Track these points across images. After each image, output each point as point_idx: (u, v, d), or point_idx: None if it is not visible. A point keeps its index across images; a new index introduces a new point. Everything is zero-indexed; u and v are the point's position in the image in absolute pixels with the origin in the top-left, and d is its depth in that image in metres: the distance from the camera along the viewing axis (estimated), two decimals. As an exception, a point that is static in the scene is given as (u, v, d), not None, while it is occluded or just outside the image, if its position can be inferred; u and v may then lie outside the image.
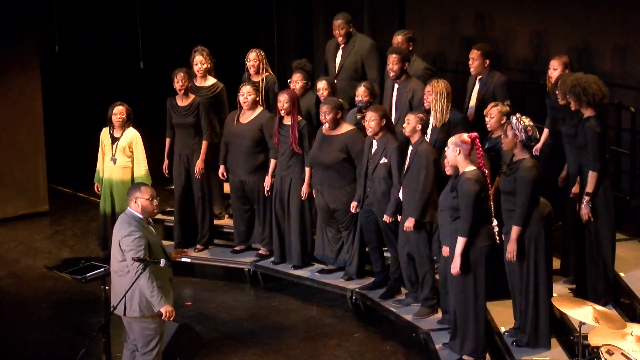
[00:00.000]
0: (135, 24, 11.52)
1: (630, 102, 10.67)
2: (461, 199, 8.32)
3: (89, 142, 11.14)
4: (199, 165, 11.03)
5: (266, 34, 13.99)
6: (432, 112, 9.61)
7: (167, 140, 11.28)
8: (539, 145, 9.65)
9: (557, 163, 9.70)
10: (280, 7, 13.25)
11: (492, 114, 9.27)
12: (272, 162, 10.75)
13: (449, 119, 9.60)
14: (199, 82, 11.34)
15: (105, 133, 11.09)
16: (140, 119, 11.39)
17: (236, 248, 11.28)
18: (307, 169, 10.49)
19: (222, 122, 11.27)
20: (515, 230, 8.45)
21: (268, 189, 10.76)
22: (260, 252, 11.15)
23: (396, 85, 10.43)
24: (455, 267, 8.39)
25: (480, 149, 8.50)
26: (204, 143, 11.05)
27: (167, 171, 11.26)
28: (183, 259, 11.14)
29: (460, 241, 8.35)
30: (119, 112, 10.98)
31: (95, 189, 11.26)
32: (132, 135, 11.02)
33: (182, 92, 10.97)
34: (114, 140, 10.99)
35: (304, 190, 10.50)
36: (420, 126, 9.32)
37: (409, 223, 9.32)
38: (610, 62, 11.08)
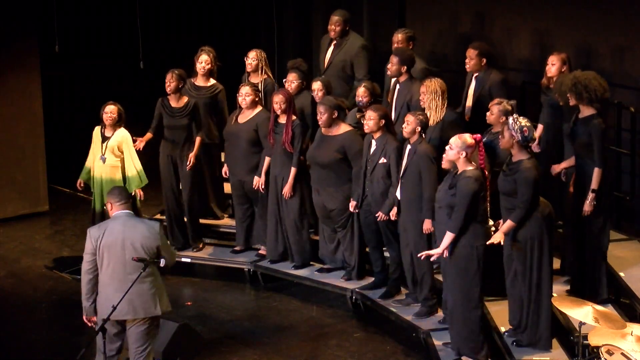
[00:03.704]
0: (135, 24, 11.52)
1: (630, 102, 10.67)
2: (458, 196, 8.35)
3: (89, 142, 11.11)
4: (191, 158, 11.00)
5: (266, 34, 13.99)
6: (427, 111, 9.62)
7: (148, 134, 11.11)
8: (535, 142, 9.64)
9: (556, 160, 9.71)
10: (280, 7, 13.25)
11: (493, 111, 9.28)
12: (266, 160, 10.76)
13: (443, 118, 9.62)
14: (199, 82, 11.33)
15: (97, 132, 11.05)
16: (140, 119, 11.39)
17: (236, 248, 11.29)
18: (292, 169, 10.48)
19: (219, 123, 11.29)
20: (508, 225, 8.45)
21: (262, 187, 10.77)
22: (260, 252, 11.15)
23: (398, 86, 10.44)
24: (433, 256, 8.46)
25: (483, 150, 8.52)
26: (198, 139, 11.02)
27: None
28: (183, 259, 11.18)
29: (448, 236, 8.39)
30: (109, 111, 10.92)
31: (78, 185, 11.13)
32: (122, 136, 10.96)
33: (170, 92, 10.95)
34: (105, 139, 10.96)
35: (286, 189, 10.51)
36: (419, 128, 9.32)
37: (427, 225, 9.27)
38: (610, 61, 11.08)
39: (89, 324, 8.06)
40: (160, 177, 11.23)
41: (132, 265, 7.83)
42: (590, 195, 8.91)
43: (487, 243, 8.48)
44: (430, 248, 9.39)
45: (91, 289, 7.98)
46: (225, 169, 11.10)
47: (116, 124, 10.91)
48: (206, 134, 11.20)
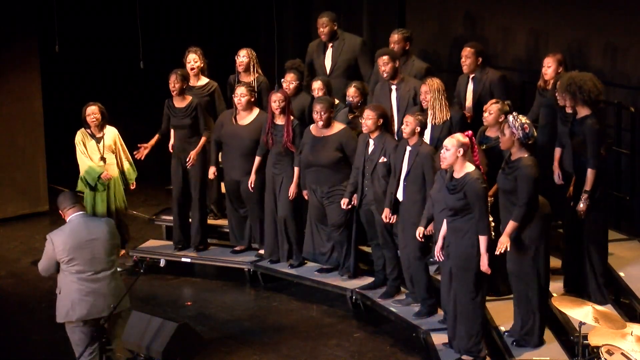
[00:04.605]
0: (135, 24, 11.52)
1: (630, 102, 10.67)
2: (474, 199, 8.29)
3: (89, 143, 11.13)
4: (192, 155, 10.99)
5: (266, 34, 13.99)
6: (430, 111, 9.62)
7: (156, 136, 11.20)
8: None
9: (552, 160, 9.72)
10: (280, 7, 13.24)
11: (492, 110, 9.29)
12: (257, 159, 10.75)
13: (451, 116, 9.62)
14: (192, 82, 11.34)
15: (84, 135, 11.03)
16: (139, 119, 11.40)
17: (236, 248, 11.29)
18: (296, 169, 10.50)
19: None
20: (511, 225, 8.45)
21: (252, 186, 10.76)
22: (260, 252, 11.15)
23: (393, 87, 10.41)
24: (484, 264, 8.37)
25: (476, 145, 8.52)
26: (203, 139, 11.03)
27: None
28: (183, 259, 11.19)
29: (483, 239, 8.34)
30: (92, 112, 10.96)
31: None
32: (114, 133, 11.06)
33: (175, 93, 10.97)
34: (98, 140, 10.98)
35: (292, 190, 10.51)
36: (419, 128, 9.32)
37: (419, 231, 9.27)
38: (609, 62, 11.08)
39: None
40: (171, 177, 11.26)
41: (99, 264, 7.92)
42: (584, 196, 8.91)
43: (496, 253, 8.48)
44: (430, 248, 9.43)
45: None
46: (213, 170, 11.06)
47: (101, 124, 10.96)
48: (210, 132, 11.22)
